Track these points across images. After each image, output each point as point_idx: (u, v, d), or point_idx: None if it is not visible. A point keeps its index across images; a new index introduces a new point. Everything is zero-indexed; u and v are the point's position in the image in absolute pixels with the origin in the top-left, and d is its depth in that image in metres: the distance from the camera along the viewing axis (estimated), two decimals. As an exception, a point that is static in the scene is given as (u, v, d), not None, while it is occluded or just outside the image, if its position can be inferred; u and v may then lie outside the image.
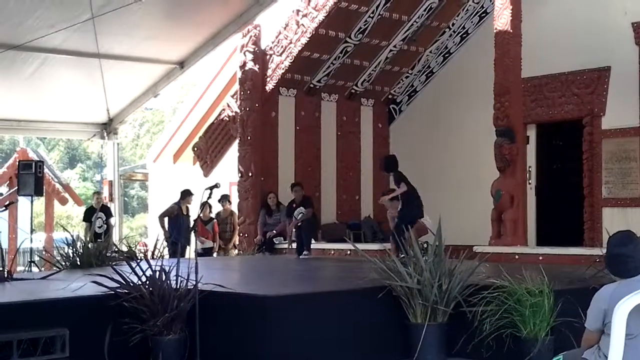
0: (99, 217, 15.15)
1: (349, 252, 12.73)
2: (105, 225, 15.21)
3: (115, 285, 6.60)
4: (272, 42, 14.60)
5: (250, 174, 14.37)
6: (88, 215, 15.66)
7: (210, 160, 17.07)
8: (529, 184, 13.38)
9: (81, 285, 6.76)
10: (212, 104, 19.11)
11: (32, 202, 13.56)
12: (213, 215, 15.19)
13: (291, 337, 6.32)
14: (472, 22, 15.05)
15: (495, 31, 11.65)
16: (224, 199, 15.35)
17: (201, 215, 14.48)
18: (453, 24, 15.11)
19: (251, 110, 14.45)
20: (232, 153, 15.69)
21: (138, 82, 15.80)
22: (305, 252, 12.58)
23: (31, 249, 12.85)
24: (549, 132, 13.89)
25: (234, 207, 15.22)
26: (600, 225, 12.65)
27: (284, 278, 9.65)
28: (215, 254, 15.48)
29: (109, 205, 16.30)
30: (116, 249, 10.21)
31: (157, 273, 6.63)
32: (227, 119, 16.11)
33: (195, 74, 21.39)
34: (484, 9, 14.70)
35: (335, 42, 14.33)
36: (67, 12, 12.43)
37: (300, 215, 12.68)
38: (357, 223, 15.10)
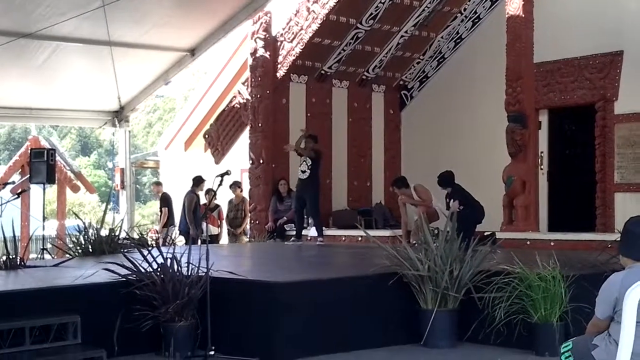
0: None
1: (359, 238, 12.75)
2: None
3: (127, 272, 6.64)
4: (283, 29, 14.55)
5: (261, 161, 14.36)
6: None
7: (222, 148, 17.06)
8: (541, 169, 13.32)
9: (93, 272, 6.79)
10: (223, 91, 19.10)
11: (44, 189, 13.60)
12: (218, 201, 15.21)
13: (301, 323, 6.34)
14: (483, 7, 14.94)
15: (507, 16, 11.61)
16: (235, 185, 15.39)
17: (206, 202, 14.55)
18: (465, 9, 15.01)
19: (262, 97, 14.43)
20: (243, 140, 15.68)
21: (149, 70, 15.81)
22: (319, 239, 12.62)
23: (43, 236, 12.87)
24: (561, 117, 13.80)
25: (245, 194, 15.24)
26: (613, 210, 12.61)
27: (294, 265, 9.67)
28: (221, 241, 15.54)
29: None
30: (128, 237, 10.26)
31: (169, 260, 6.65)
32: (238, 106, 16.10)
33: (206, 61, 21.46)
34: (496, -6, 14.61)
35: (346, 28, 14.27)
36: (78, 0, 12.44)
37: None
38: (368, 209, 15.05)
